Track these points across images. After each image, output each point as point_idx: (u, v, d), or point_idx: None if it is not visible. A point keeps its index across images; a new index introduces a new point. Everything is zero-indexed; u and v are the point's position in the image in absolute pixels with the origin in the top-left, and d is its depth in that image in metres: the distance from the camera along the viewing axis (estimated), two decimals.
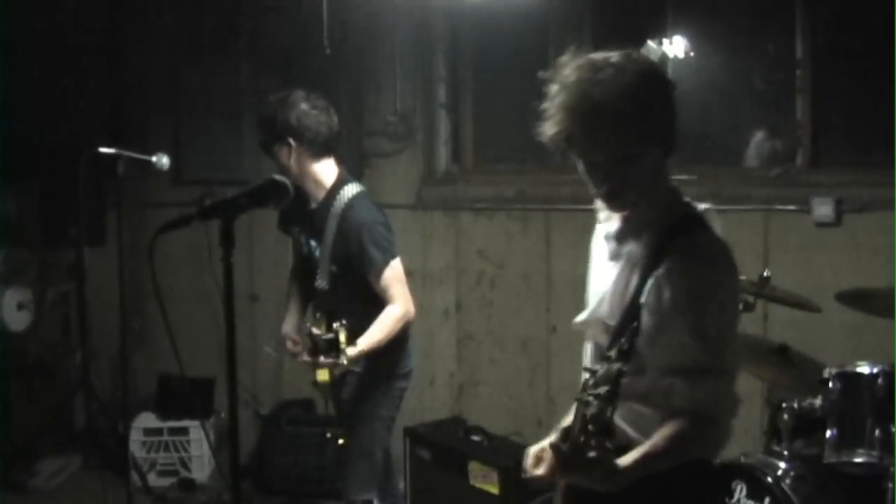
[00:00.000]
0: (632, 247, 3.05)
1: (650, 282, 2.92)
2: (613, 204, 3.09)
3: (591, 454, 2.71)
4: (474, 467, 6.00)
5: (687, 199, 3.13)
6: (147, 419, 7.52)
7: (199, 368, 6.71)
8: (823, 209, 6.04)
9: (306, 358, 4.77)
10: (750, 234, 6.19)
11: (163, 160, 6.07)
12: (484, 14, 6.95)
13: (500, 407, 7.17)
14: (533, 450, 3.28)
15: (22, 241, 7.58)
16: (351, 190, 5.05)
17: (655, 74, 3.02)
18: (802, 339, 5.42)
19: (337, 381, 5.04)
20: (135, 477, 7.05)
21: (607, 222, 3.19)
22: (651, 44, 6.66)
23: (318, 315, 5.05)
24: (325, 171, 5.08)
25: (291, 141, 4.96)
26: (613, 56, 2.97)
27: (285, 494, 7.05)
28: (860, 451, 4.70)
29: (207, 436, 7.38)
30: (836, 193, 6.06)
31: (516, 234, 7.10)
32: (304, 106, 4.98)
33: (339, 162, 5.16)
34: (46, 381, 7.87)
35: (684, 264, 2.90)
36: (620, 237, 3.08)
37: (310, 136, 4.96)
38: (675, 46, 6.79)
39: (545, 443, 3.25)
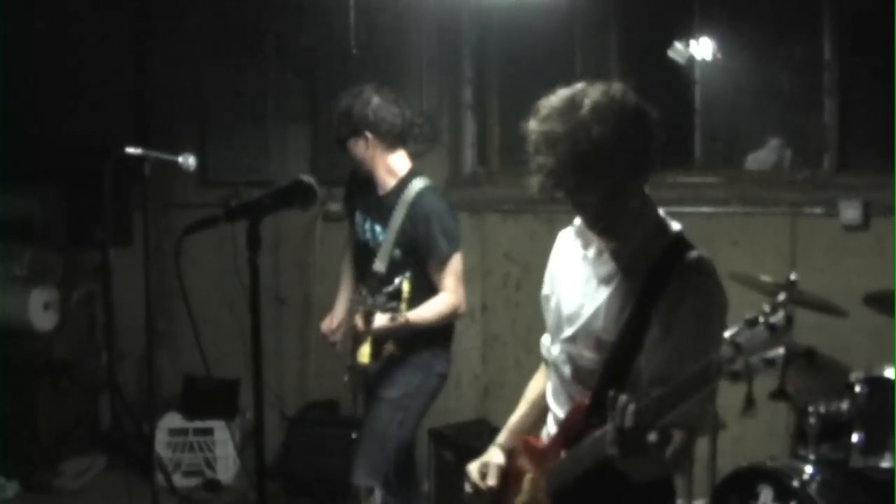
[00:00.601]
0: (629, 270, 3.12)
1: (662, 299, 3.02)
2: (608, 237, 3.17)
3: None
4: None
5: (663, 216, 3.24)
6: (172, 419, 7.54)
7: (224, 369, 6.72)
8: (851, 212, 6.01)
9: (360, 323, 4.89)
10: (777, 237, 6.15)
11: (189, 161, 6.07)
12: (510, 15, 6.94)
13: None
14: (475, 465, 3.65)
15: (48, 242, 7.61)
16: (422, 182, 5.19)
17: (634, 110, 3.05)
18: (829, 343, 5.37)
19: (374, 369, 5.13)
20: (160, 477, 7.06)
21: (586, 249, 3.29)
22: (678, 46, 6.65)
23: (363, 292, 5.08)
24: (399, 161, 5.23)
25: (368, 134, 5.12)
26: (591, 95, 3.01)
27: (310, 495, 7.05)
28: (887, 455, 4.68)
29: (233, 436, 7.39)
30: (863, 196, 6.02)
31: (542, 236, 7.07)
32: (377, 99, 5.13)
33: (411, 155, 5.32)
34: (72, 382, 7.88)
35: (694, 282, 3.03)
36: (617, 261, 3.15)
37: (385, 127, 5.12)
38: (703, 48, 6.77)
39: (484, 458, 3.65)
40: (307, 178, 3.51)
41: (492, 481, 3.53)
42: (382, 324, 4.89)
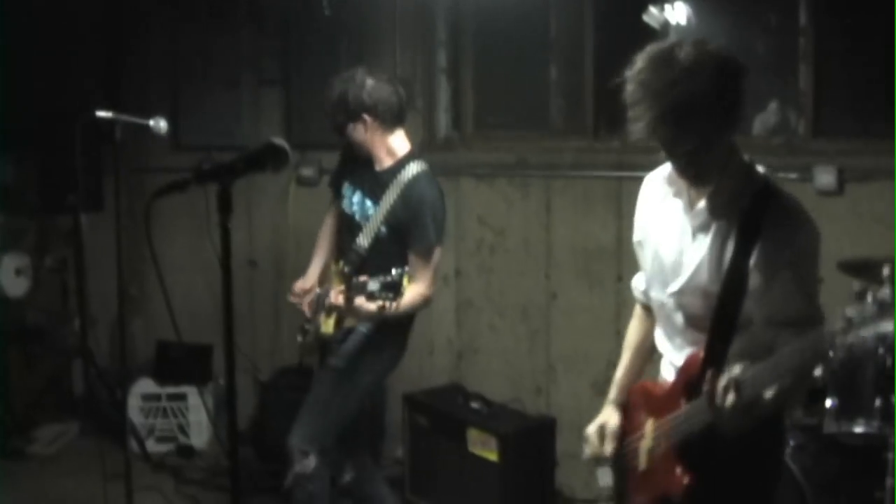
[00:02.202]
0: (722, 219, 3.28)
1: (758, 244, 3.18)
2: (698, 186, 3.33)
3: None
4: (473, 434, 6.01)
5: (750, 162, 3.40)
6: (145, 385, 7.52)
7: (197, 334, 6.69)
8: (826, 178, 6.01)
9: (339, 300, 4.89)
10: None
11: (160, 124, 6.03)
12: None
13: (500, 374, 7.16)
14: (593, 429, 3.75)
15: (20, 208, 7.56)
16: (420, 165, 5.15)
17: (727, 64, 3.17)
18: None
19: (336, 339, 5.15)
20: (133, 443, 7.05)
21: (677, 197, 3.43)
22: (653, 10, 6.63)
23: (345, 269, 5.10)
24: (398, 142, 5.21)
25: (367, 117, 5.08)
26: (687, 49, 3.14)
27: (284, 461, 7.03)
28: (860, 420, 4.70)
29: (205, 402, 7.37)
30: (838, 162, 6.02)
31: (517, 201, 7.07)
32: (371, 81, 5.09)
33: (409, 137, 5.29)
34: (44, 348, 7.86)
35: (790, 225, 3.20)
36: (711, 209, 3.29)
37: (383, 108, 5.08)
38: (678, 13, 6.76)
39: (601, 419, 3.75)
40: (279, 141, 3.49)
41: (609, 447, 3.70)
42: (366, 309, 4.82)
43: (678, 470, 3.31)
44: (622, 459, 3.69)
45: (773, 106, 6.77)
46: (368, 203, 5.17)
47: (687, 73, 3.09)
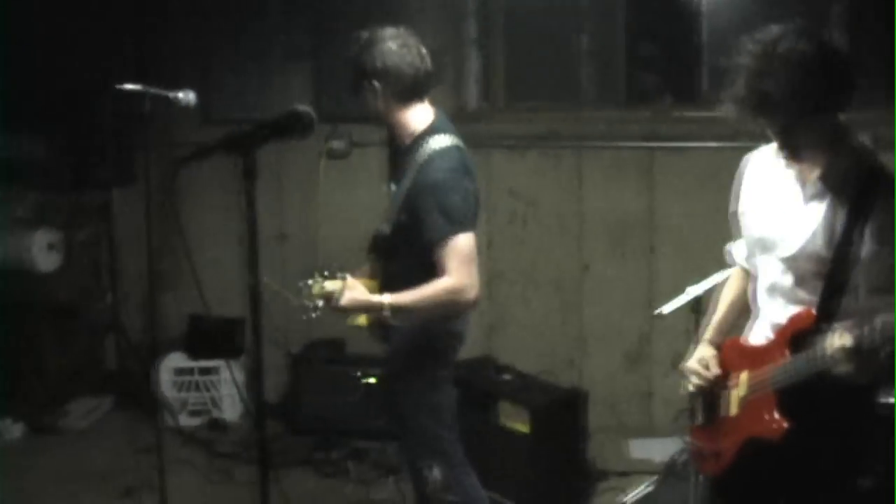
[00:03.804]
0: (836, 190, 3.48)
1: (873, 214, 3.40)
2: (793, 161, 3.58)
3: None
4: (505, 406, 5.99)
5: (864, 143, 3.62)
6: (177, 359, 7.53)
7: (229, 308, 6.70)
8: None
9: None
10: None
11: (189, 96, 5.99)
12: None
13: (531, 346, 7.15)
14: (693, 361, 3.94)
15: (52, 184, 7.56)
16: (439, 142, 4.60)
17: (826, 49, 3.44)
18: None
19: (380, 329, 4.75)
20: (166, 417, 7.07)
21: (788, 168, 3.63)
22: None
23: (371, 256, 4.82)
24: (414, 116, 4.67)
25: (375, 83, 4.58)
26: (789, 33, 3.41)
27: (316, 434, 7.05)
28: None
29: (233, 375, 7.37)
30: (870, 130, 5.94)
31: (548, 172, 7.04)
32: (390, 45, 4.58)
33: (435, 107, 4.76)
34: (77, 323, 7.88)
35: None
36: (826, 182, 3.51)
37: (394, 78, 4.57)
38: None
39: (698, 354, 3.95)
40: (303, 107, 3.45)
41: (715, 370, 3.86)
42: (353, 300, 4.49)
43: (777, 415, 3.51)
44: (711, 405, 3.89)
45: None
46: (394, 187, 4.78)
47: (778, 66, 3.36)
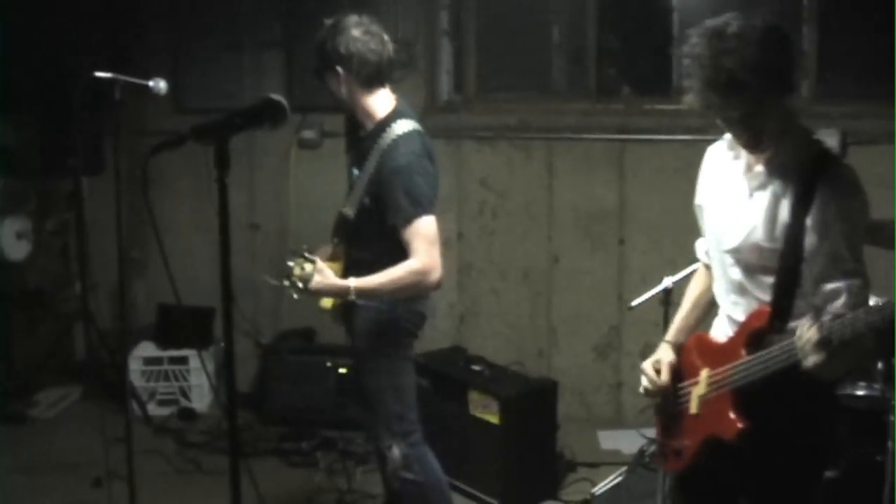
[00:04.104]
0: (779, 180, 3.47)
1: (814, 206, 3.36)
2: (753, 150, 3.54)
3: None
4: (474, 397, 6.00)
5: (810, 133, 3.60)
6: (146, 348, 7.52)
7: (199, 297, 6.69)
8: (829, 141, 5.95)
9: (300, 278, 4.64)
10: None
11: (160, 84, 5.97)
12: None
13: (501, 337, 7.17)
14: (649, 363, 3.91)
15: (20, 171, 7.53)
16: (402, 127, 4.73)
17: (774, 36, 3.39)
18: None
19: (344, 310, 4.90)
20: (135, 406, 7.05)
21: (737, 160, 3.63)
22: None
23: (335, 240, 4.90)
24: (376, 102, 4.79)
25: (339, 69, 4.70)
26: (734, 24, 3.37)
27: (286, 423, 7.04)
28: (862, 384, 4.71)
29: (204, 365, 7.37)
30: (841, 125, 6.01)
31: (518, 164, 7.06)
32: (354, 32, 4.69)
33: (396, 94, 4.89)
34: (46, 311, 7.86)
35: (842, 190, 3.38)
36: (769, 172, 3.49)
37: (358, 64, 4.68)
38: None
39: (656, 355, 3.91)
40: (276, 97, 3.46)
41: (665, 378, 3.85)
42: (322, 284, 4.61)
43: (733, 415, 3.50)
44: (674, 402, 3.86)
45: None
46: (356, 171, 4.87)
47: (735, 44, 3.32)
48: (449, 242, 7.14)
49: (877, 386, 4.66)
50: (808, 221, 3.38)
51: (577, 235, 6.97)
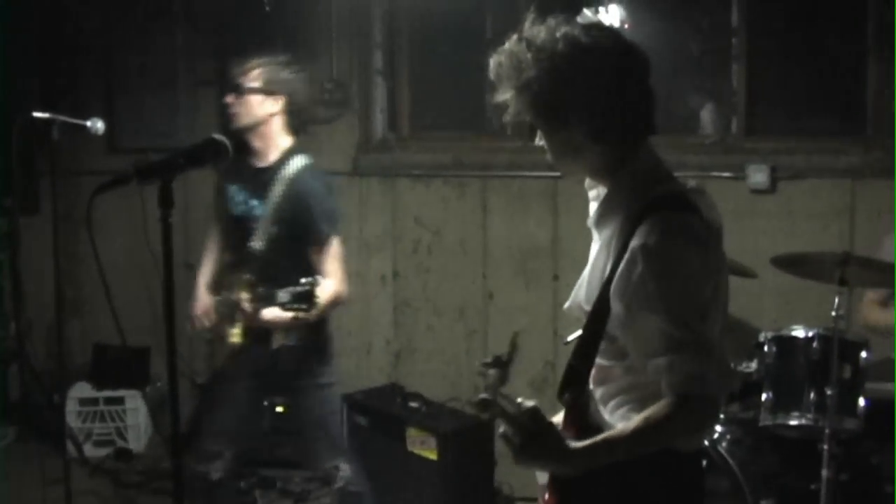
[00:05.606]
0: (608, 229, 2.93)
1: (620, 266, 2.79)
2: (561, 171, 3.19)
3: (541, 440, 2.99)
4: (412, 433, 6.02)
5: (673, 177, 3.02)
6: (82, 389, 7.48)
7: (133, 337, 6.64)
8: (759, 176, 6.10)
9: (250, 309, 4.83)
10: None
11: (98, 125, 5.98)
12: None
13: (438, 374, 7.18)
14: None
15: None
16: (303, 159, 5.05)
17: (586, 54, 2.90)
18: (738, 304, 5.41)
19: (250, 346, 5.07)
20: (71, 448, 7.00)
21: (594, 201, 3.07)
22: (587, 12, 6.67)
23: (246, 276, 4.95)
24: (283, 136, 5.11)
25: (282, 96, 5.05)
26: (542, 34, 2.95)
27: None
28: (795, 413, 4.76)
29: (143, 405, 7.34)
30: (770, 161, 6.12)
31: (453, 201, 7.10)
32: (299, 74, 5.12)
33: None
34: None
35: (648, 243, 2.74)
36: (598, 219, 2.97)
37: (298, 99, 5.08)
38: (612, 15, 6.80)
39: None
40: (219, 136, 3.50)
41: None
42: (277, 318, 4.83)
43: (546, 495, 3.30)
44: None
45: (709, 106, 6.86)
46: (255, 203, 5.07)
47: (535, 53, 2.89)
48: (384, 279, 7.17)
49: (810, 415, 4.71)
50: (612, 285, 2.80)
51: (511, 272, 7.00)
